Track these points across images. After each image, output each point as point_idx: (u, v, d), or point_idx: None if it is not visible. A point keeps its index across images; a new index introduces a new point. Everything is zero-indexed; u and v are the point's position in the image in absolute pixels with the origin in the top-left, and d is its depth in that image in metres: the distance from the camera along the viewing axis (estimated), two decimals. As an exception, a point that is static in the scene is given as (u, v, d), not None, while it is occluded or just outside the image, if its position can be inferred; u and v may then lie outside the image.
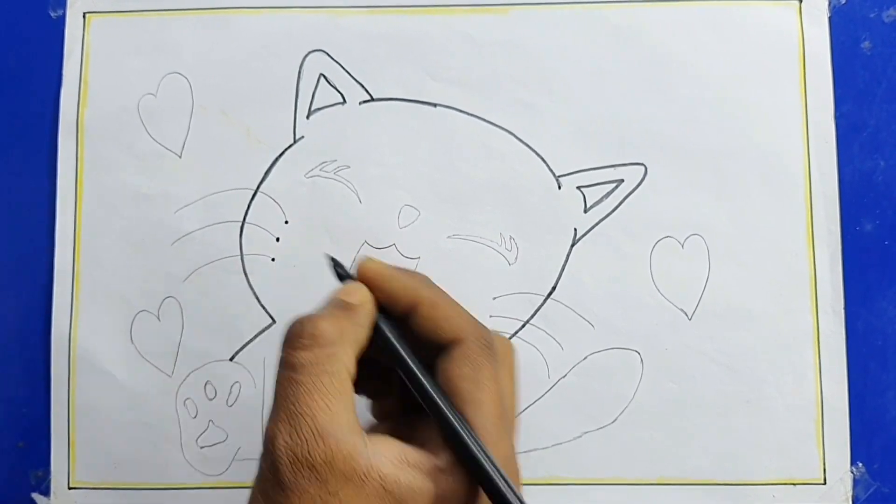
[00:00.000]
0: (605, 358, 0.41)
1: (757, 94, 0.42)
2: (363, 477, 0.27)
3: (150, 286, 0.42)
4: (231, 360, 0.42)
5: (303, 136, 0.43)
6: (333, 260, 0.33)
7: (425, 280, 0.32)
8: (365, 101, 0.43)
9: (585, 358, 0.41)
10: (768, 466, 0.41)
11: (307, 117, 0.43)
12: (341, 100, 0.43)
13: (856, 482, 0.41)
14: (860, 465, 0.41)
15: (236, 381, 0.42)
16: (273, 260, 0.42)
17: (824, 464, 0.41)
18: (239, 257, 0.42)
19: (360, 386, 0.31)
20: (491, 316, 0.41)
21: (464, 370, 0.30)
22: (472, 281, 0.42)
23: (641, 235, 0.42)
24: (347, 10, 0.43)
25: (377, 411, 0.35)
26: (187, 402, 0.42)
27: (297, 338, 0.29)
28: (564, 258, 0.42)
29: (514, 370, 0.33)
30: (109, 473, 0.41)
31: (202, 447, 0.42)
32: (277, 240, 0.42)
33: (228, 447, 0.42)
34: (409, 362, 0.31)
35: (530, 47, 0.43)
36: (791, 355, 0.41)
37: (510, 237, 0.42)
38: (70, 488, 0.42)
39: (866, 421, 0.41)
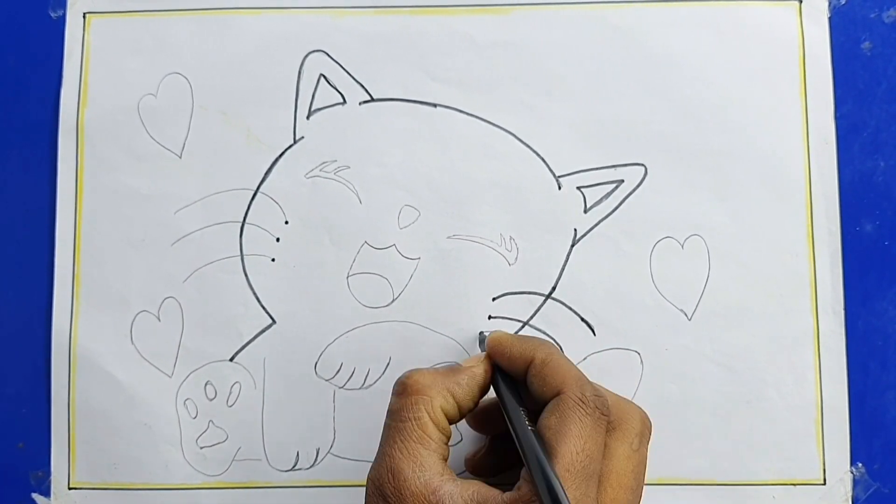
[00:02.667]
0: (605, 358, 0.41)
1: (757, 95, 0.42)
2: None
3: (150, 286, 0.42)
4: (231, 360, 0.42)
5: (303, 137, 0.43)
6: (482, 338, 0.39)
7: (544, 343, 0.35)
8: (365, 102, 0.43)
9: (585, 358, 0.41)
10: (768, 467, 0.41)
11: (307, 118, 0.43)
12: (341, 100, 0.43)
13: (855, 482, 0.41)
14: (860, 465, 0.41)
15: (236, 382, 0.42)
16: (273, 260, 0.42)
17: (824, 464, 0.41)
18: (239, 258, 0.42)
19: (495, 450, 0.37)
20: (491, 316, 0.41)
21: (550, 421, 0.32)
22: (472, 281, 0.42)
23: (641, 236, 0.42)
24: (348, 11, 0.43)
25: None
26: (187, 402, 0.42)
27: (394, 386, 0.34)
28: (564, 258, 0.42)
29: (633, 437, 0.33)
30: (109, 474, 0.42)
31: (202, 447, 0.42)
32: (277, 240, 0.42)
33: (228, 447, 0.42)
34: (508, 404, 0.34)
35: (530, 48, 0.43)
36: (791, 355, 0.41)
37: (510, 237, 0.42)
38: (70, 489, 0.42)
39: (866, 421, 0.41)
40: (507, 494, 0.31)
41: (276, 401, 0.42)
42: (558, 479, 0.29)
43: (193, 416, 0.42)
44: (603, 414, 0.32)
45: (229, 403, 0.42)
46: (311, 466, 0.41)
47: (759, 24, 0.43)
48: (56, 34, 0.43)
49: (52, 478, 0.42)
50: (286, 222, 0.42)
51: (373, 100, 0.43)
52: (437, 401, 0.33)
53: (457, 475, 0.32)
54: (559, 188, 0.42)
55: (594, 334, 0.42)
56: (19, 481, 0.42)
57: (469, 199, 0.42)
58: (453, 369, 0.35)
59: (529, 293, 0.42)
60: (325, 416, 0.41)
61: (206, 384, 0.42)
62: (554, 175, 0.42)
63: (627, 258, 0.42)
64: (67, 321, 0.42)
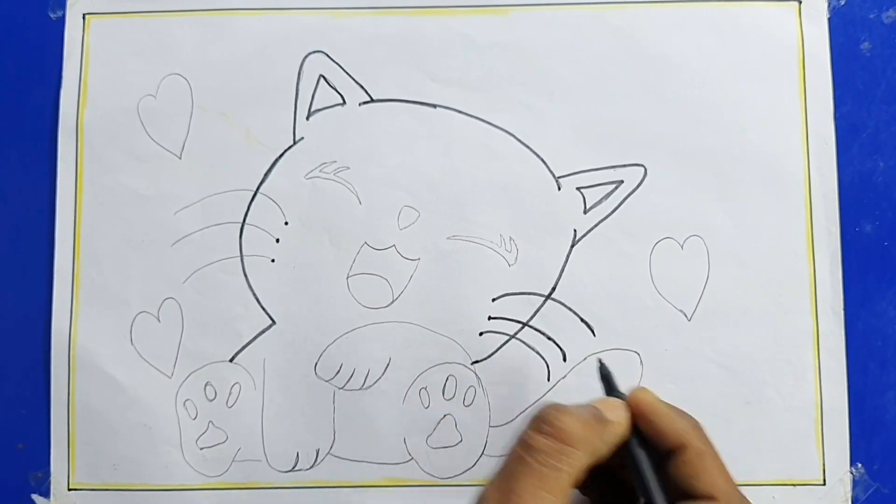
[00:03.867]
0: (604, 359, 0.41)
1: (756, 95, 0.42)
2: None
3: (149, 287, 0.42)
4: (231, 361, 0.42)
5: (302, 138, 0.43)
6: (602, 368, 0.34)
7: (696, 426, 0.33)
8: (365, 102, 0.43)
9: (585, 359, 0.41)
10: (768, 467, 0.41)
11: (307, 118, 0.43)
12: (341, 101, 0.43)
13: (855, 483, 0.41)
14: (859, 465, 0.41)
15: (236, 383, 0.42)
16: (273, 261, 0.42)
17: (824, 464, 0.41)
18: (239, 258, 0.42)
19: (587, 487, 0.32)
20: (491, 317, 0.41)
21: (695, 467, 0.31)
22: (471, 282, 0.42)
23: (641, 236, 0.42)
24: (347, 12, 0.43)
25: None
26: (187, 403, 0.42)
27: (542, 423, 0.30)
28: (564, 259, 0.42)
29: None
30: (109, 475, 0.41)
31: (202, 448, 0.42)
32: (277, 241, 0.42)
33: (228, 448, 0.42)
34: (653, 491, 0.31)
35: (530, 48, 0.43)
36: (791, 356, 0.41)
37: (510, 238, 0.42)
38: (70, 489, 0.42)
39: (866, 422, 0.41)
40: None
41: (275, 401, 0.42)
42: None
43: (193, 416, 0.42)
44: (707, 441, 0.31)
45: (229, 404, 0.42)
46: (310, 467, 0.41)
47: (759, 24, 0.43)
48: (56, 35, 0.43)
49: (52, 479, 0.42)
50: (286, 223, 0.42)
51: (372, 100, 0.43)
52: (585, 460, 0.30)
53: None
54: (559, 189, 0.42)
55: (594, 335, 0.42)
56: (19, 482, 0.42)
57: (469, 199, 0.42)
58: (600, 421, 0.31)
59: (529, 294, 0.42)
60: (325, 417, 0.41)
61: (205, 385, 0.42)
62: (554, 176, 0.42)
63: (627, 259, 0.42)
64: (67, 321, 0.42)
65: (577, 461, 0.30)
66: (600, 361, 0.35)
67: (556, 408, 0.31)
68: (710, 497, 0.31)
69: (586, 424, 0.31)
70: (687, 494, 0.31)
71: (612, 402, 0.33)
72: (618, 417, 0.32)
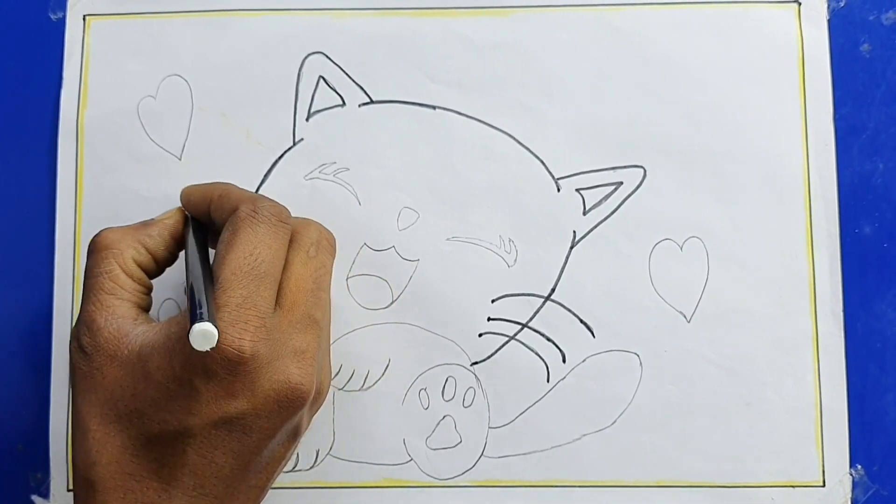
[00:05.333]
0: (604, 360, 0.41)
1: (756, 97, 0.42)
2: (126, 351, 0.32)
3: (149, 288, 0.42)
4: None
5: (302, 139, 0.43)
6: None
7: (221, 182, 0.38)
8: (364, 104, 0.43)
9: (584, 360, 0.41)
10: (767, 469, 0.41)
11: (306, 119, 0.43)
12: (341, 102, 0.43)
13: (855, 484, 0.41)
14: (859, 467, 0.41)
15: (236, 383, 0.42)
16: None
17: (823, 466, 0.41)
18: (238, 259, 0.42)
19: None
20: (490, 318, 0.41)
21: (224, 236, 0.34)
22: (471, 283, 0.42)
23: (640, 238, 0.42)
24: (347, 12, 0.43)
25: None
26: (187, 403, 0.42)
27: (88, 245, 0.35)
28: (563, 260, 0.42)
29: (308, 245, 0.35)
30: (109, 475, 0.41)
31: (201, 449, 0.42)
32: (277, 242, 0.42)
33: (228, 449, 0.42)
34: (187, 242, 0.36)
35: (530, 50, 0.43)
36: (790, 358, 0.41)
37: (509, 239, 0.42)
38: (69, 491, 0.42)
39: (865, 423, 0.41)
40: (181, 319, 0.32)
41: (275, 402, 0.42)
42: (208, 294, 0.31)
43: (193, 417, 0.42)
44: (281, 221, 0.34)
45: (229, 405, 0.42)
46: (310, 468, 0.42)
47: (758, 26, 0.43)
48: (56, 36, 0.43)
49: (52, 480, 0.42)
50: (285, 224, 0.42)
51: (372, 102, 0.43)
52: (129, 253, 0.34)
53: None
54: (558, 190, 0.42)
55: (593, 336, 0.42)
56: (18, 483, 0.42)
57: (468, 201, 0.42)
58: (145, 223, 0.36)
59: (528, 295, 0.42)
60: (325, 418, 0.41)
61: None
62: (553, 177, 0.42)
63: (626, 260, 0.42)
64: (67, 322, 0.42)
65: (120, 258, 0.34)
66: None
67: (99, 230, 0.35)
68: (232, 212, 0.34)
69: (126, 228, 0.35)
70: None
71: (169, 210, 0.38)
72: (165, 216, 0.37)
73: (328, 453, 0.41)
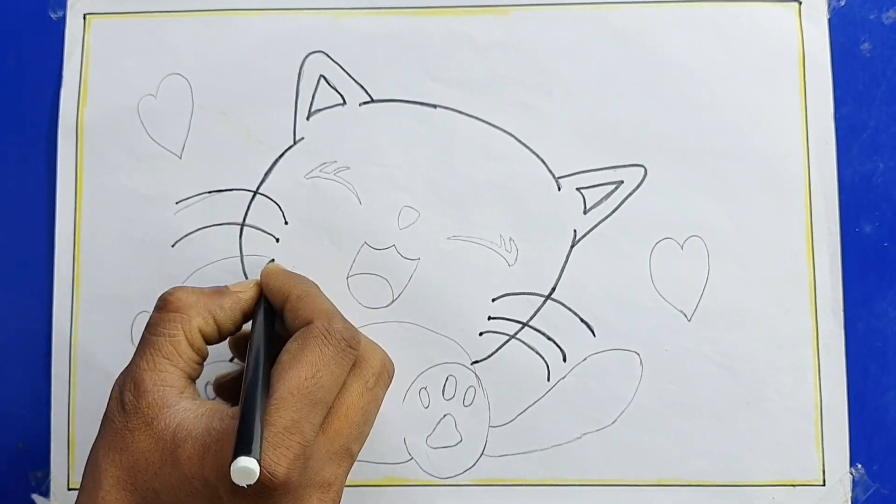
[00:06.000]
0: (604, 359, 0.41)
1: (756, 96, 0.42)
2: (163, 424, 0.31)
3: (150, 287, 0.42)
4: (231, 361, 0.42)
5: (303, 138, 0.43)
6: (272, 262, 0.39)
7: (305, 280, 0.37)
8: (365, 103, 0.43)
9: (585, 359, 0.41)
10: (768, 468, 0.41)
11: (307, 118, 0.43)
12: (341, 101, 0.43)
13: (855, 483, 0.41)
14: (859, 466, 0.41)
15: (236, 382, 0.42)
16: (273, 261, 0.42)
17: (824, 465, 0.41)
18: (239, 258, 0.42)
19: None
20: (490, 317, 0.41)
21: (291, 346, 0.33)
22: (471, 282, 0.42)
23: (641, 237, 0.42)
24: (347, 12, 0.43)
25: None
26: (187, 403, 0.42)
27: (158, 301, 0.34)
28: (564, 259, 0.42)
29: (370, 376, 0.34)
30: (109, 474, 0.41)
31: (202, 448, 0.42)
32: (277, 241, 0.42)
33: (228, 448, 0.42)
34: (255, 333, 0.34)
35: (530, 48, 0.43)
36: (790, 357, 0.41)
37: (510, 238, 0.42)
38: (70, 489, 0.42)
39: (866, 422, 0.41)
40: (233, 409, 0.31)
41: (275, 401, 0.42)
42: (262, 411, 0.30)
43: (193, 416, 0.42)
44: (350, 346, 0.33)
45: (229, 404, 0.42)
46: (310, 467, 0.41)
47: (759, 25, 0.43)
48: (56, 35, 0.43)
49: (52, 478, 0.42)
50: (286, 223, 0.42)
51: (373, 100, 0.43)
52: (196, 321, 0.34)
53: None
54: (559, 189, 0.42)
55: (594, 335, 0.42)
56: (19, 482, 0.42)
57: (469, 199, 0.42)
58: (220, 291, 0.36)
59: (529, 294, 0.42)
60: (325, 417, 0.41)
61: (205, 385, 0.42)
62: (553, 176, 0.42)
63: (627, 259, 0.42)
64: (68, 322, 0.42)
65: (187, 325, 0.33)
66: (272, 260, 0.40)
67: (172, 287, 0.35)
68: (306, 323, 0.33)
69: (200, 293, 0.35)
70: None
71: (244, 282, 0.37)
72: (241, 288, 0.36)
73: (329, 452, 0.41)
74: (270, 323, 0.36)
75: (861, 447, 0.41)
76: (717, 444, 0.41)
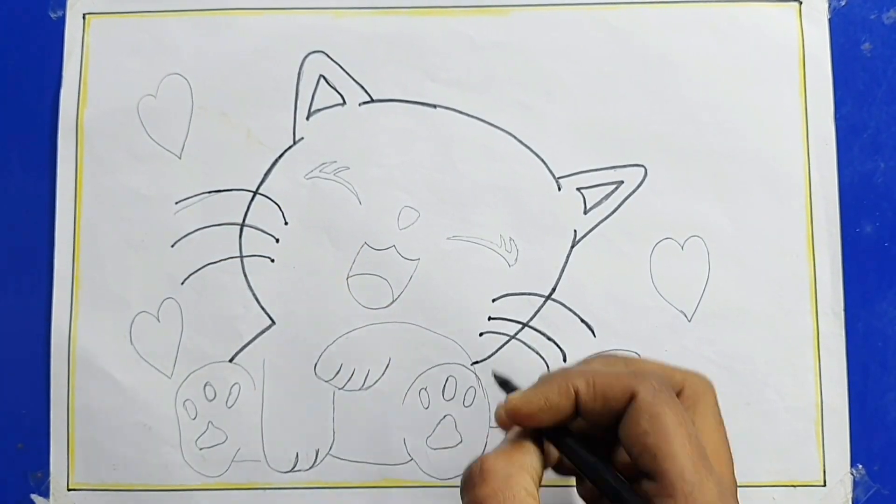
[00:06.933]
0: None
1: (757, 96, 0.42)
2: None
3: (149, 287, 0.42)
4: (231, 361, 0.42)
5: (302, 138, 0.43)
6: (497, 377, 0.33)
7: (568, 370, 0.31)
8: (365, 103, 0.43)
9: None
10: (768, 468, 0.41)
11: (307, 118, 0.43)
12: (341, 101, 0.43)
13: (856, 484, 0.41)
14: (860, 466, 0.41)
15: (236, 383, 0.42)
16: (273, 261, 0.42)
17: (824, 466, 0.41)
18: (238, 258, 0.42)
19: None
20: (491, 318, 0.41)
21: (642, 426, 0.29)
22: (471, 282, 0.42)
23: (641, 237, 0.42)
24: (347, 12, 0.43)
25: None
26: (187, 403, 0.42)
27: (472, 478, 0.30)
28: (564, 259, 0.42)
29: (714, 406, 0.32)
30: (108, 475, 0.41)
31: (201, 448, 0.42)
32: (277, 241, 0.42)
33: (228, 448, 0.42)
34: (585, 466, 0.30)
35: (530, 49, 0.43)
36: (791, 357, 0.41)
37: (510, 238, 0.42)
38: (69, 490, 0.42)
39: (866, 423, 0.41)
40: None
41: (275, 402, 0.42)
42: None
43: (193, 416, 0.42)
44: (673, 389, 0.30)
45: (229, 404, 0.42)
46: (310, 468, 0.41)
47: (759, 25, 0.43)
48: (56, 35, 0.43)
49: (52, 479, 0.42)
50: (286, 223, 0.42)
51: (372, 100, 0.43)
52: (526, 474, 0.30)
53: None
54: (559, 189, 0.42)
55: (594, 335, 0.42)
56: (18, 482, 0.42)
57: (469, 200, 0.42)
58: (513, 444, 0.31)
59: (529, 294, 0.42)
60: (325, 418, 0.41)
61: (205, 385, 0.42)
62: (554, 176, 0.42)
63: (627, 259, 0.42)
64: (67, 322, 0.42)
65: (521, 481, 0.29)
66: (494, 373, 0.33)
67: (474, 461, 0.30)
68: (630, 396, 0.29)
69: (504, 451, 0.30)
70: (618, 417, 0.30)
71: (511, 432, 0.31)
72: (519, 446, 0.30)
73: (328, 453, 0.41)
74: (585, 443, 0.31)
75: (862, 447, 0.41)
76: (718, 444, 0.41)
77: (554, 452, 0.32)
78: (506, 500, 0.29)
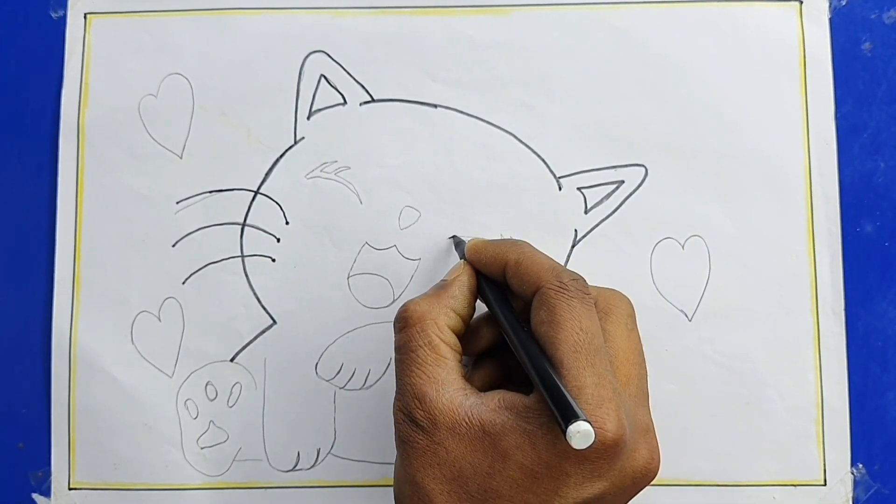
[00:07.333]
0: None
1: (757, 96, 0.42)
2: (465, 425, 0.31)
3: (150, 287, 0.42)
4: (232, 360, 0.42)
5: (303, 137, 0.43)
6: (455, 238, 0.40)
7: (516, 243, 0.36)
8: (365, 102, 0.43)
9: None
10: (768, 468, 0.41)
11: (308, 118, 0.43)
12: (342, 101, 0.43)
13: (856, 483, 0.41)
14: (860, 466, 0.41)
15: (237, 382, 0.42)
16: (273, 261, 0.42)
17: (825, 465, 0.41)
18: (240, 258, 0.42)
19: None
20: (491, 317, 0.41)
21: (541, 315, 0.32)
22: (472, 282, 0.42)
23: (642, 236, 0.42)
24: (348, 11, 0.43)
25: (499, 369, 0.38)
26: (188, 402, 0.42)
27: (395, 323, 0.34)
28: (565, 259, 0.42)
29: (626, 318, 0.34)
30: (110, 474, 0.42)
31: (203, 448, 0.42)
32: (278, 241, 0.42)
33: (229, 448, 0.42)
34: (499, 313, 0.34)
35: (531, 48, 0.43)
36: (791, 356, 0.41)
37: (511, 238, 0.42)
38: (70, 489, 0.42)
39: (866, 422, 0.41)
40: (530, 398, 0.31)
41: (276, 401, 0.42)
42: (561, 379, 0.30)
43: (194, 416, 0.42)
44: (587, 293, 0.33)
45: (230, 404, 0.42)
46: (311, 467, 0.41)
47: (760, 24, 0.43)
48: (57, 34, 0.43)
49: (53, 478, 0.42)
50: (287, 223, 0.42)
51: (373, 100, 0.43)
52: (442, 320, 0.34)
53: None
54: (559, 189, 0.42)
55: (594, 335, 0.42)
56: (19, 481, 0.42)
57: (470, 199, 0.42)
58: (443, 286, 0.35)
59: (530, 294, 0.42)
60: (326, 417, 0.41)
61: (206, 384, 0.42)
62: (554, 176, 0.42)
63: (628, 259, 0.42)
64: (67, 322, 0.42)
65: (434, 329, 0.33)
66: (455, 237, 0.40)
67: (402, 305, 0.34)
68: (537, 288, 0.33)
69: (426, 298, 0.34)
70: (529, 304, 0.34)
71: (454, 267, 0.37)
72: (457, 273, 0.36)
73: (329, 452, 0.41)
74: (502, 293, 0.35)
75: (862, 447, 0.41)
76: (718, 443, 0.41)
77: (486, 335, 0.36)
78: (417, 346, 0.33)
